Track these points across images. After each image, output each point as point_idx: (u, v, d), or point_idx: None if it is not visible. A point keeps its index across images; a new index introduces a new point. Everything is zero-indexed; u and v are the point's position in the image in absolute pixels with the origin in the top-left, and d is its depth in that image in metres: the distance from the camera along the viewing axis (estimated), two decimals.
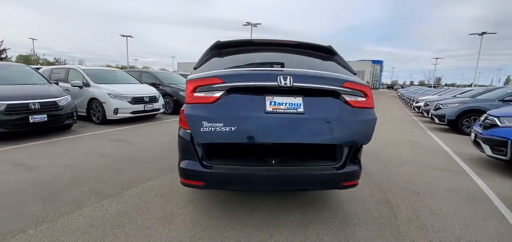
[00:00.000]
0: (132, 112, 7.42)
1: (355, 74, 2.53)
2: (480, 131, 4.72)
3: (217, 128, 2.06)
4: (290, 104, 2.13)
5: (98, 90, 7.29)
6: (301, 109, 2.12)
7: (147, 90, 8.24)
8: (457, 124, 8.32)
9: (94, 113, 7.35)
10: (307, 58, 2.66)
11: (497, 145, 4.23)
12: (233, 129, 2.06)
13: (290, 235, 2.35)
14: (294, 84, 2.09)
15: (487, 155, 4.45)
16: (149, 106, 7.85)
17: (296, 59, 2.69)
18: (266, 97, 2.13)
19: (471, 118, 8.24)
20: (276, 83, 2.08)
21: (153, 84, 9.72)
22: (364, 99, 2.23)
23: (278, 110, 2.10)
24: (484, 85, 38.33)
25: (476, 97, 9.20)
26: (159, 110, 8.35)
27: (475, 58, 34.15)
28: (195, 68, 2.46)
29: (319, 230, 2.44)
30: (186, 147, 2.36)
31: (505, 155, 4.10)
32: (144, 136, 6.00)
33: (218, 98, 2.10)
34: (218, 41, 2.58)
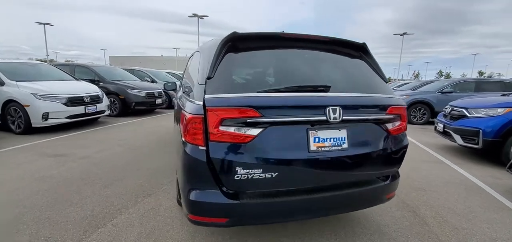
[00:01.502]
0: (69, 117, 5.89)
1: (386, 81, 2.17)
2: (448, 122, 5.04)
3: (255, 175, 1.63)
4: (335, 139, 1.76)
5: (17, 89, 5.56)
6: (345, 146, 1.78)
7: (86, 88, 6.70)
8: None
9: (13, 120, 5.61)
10: (342, 61, 2.14)
11: (469, 135, 4.53)
12: (274, 175, 1.65)
13: None
14: (344, 118, 1.73)
15: (458, 144, 4.76)
16: (91, 108, 6.38)
17: (332, 64, 2.17)
18: (310, 132, 1.71)
19: (417, 109, 9.12)
20: (325, 117, 1.70)
21: (91, 81, 8.07)
22: (401, 123, 2.02)
23: (322, 148, 1.73)
24: (404, 79, 44.61)
25: (418, 90, 10.25)
26: (103, 113, 6.91)
27: (389, 56, 39.46)
28: (209, 78, 1.71)
29: None
30: (199, 171, 1.67)
31: (477, 144, 4.41)
32: (91, 147, 4.75)
33: (255, 136, 1.60)
34: (235, 32, 1.85)
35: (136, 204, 2.71)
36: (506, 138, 4.14)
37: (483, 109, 4.52)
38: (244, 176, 1.63)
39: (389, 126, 1.94)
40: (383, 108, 1.91)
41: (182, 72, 4.92)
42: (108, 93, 7.98)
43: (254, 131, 1.61)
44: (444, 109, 5.53)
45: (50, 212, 2.51)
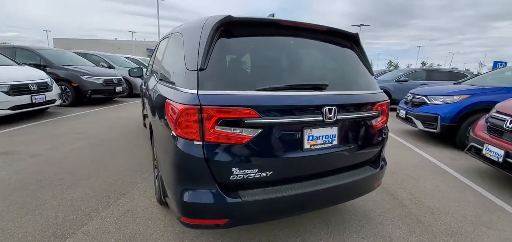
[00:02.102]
0: (12, 108, 5.05)
1: (373, 73, 2.19)
2: (410, 109, 5.44)
3: (250, 175, 1.58)
4: (326, 137, 1.77)
5: None
6: (335, 142, 1.81)
7: (32, 74, 5.78)
8: None
9: None
10: (335, 52, 2.08)
11: (429, 120, 4.94)
12: (269, 174, 1.63)
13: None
14: (338, 117, 1.73)
15: (419, 129, 5.17)
16: (39, 98, 5.55)
17: (327, 56, 2.09)
18: (305, 131, 1.69)
19: None
20: (321, 117, 1.67)
21: (36, 66, 7.02)
22: (383, 117, 2.08)
23: (315, 146, 1.73)
24: None
25: (377, 79, 10.94)
26: (53, 103, 6.09)
27: None
28: (201, 69, 1.53)
29: (354, 232, 2.07)
30: (195, 169, 1.51)
31: (436, 128, 4.83)
32: (43, 143, 4.14)
33: (253, 137, 1.53)
34: (229, 16, 1.64)
35: (109, 206, 2.41)
36: (461, 123, 4.60)
37: (441, 97, 4.94)
38: (240, 176, 1.56)
39: (374, 121, 1.99)
40: (371, 105, 1.94)
41: (150, 56, 4.49)
42: (58, 80, 7.03)
43: (252, 132, 1.53)
44: (405, 97, 5.95)
45: (3, 222, 2.10)
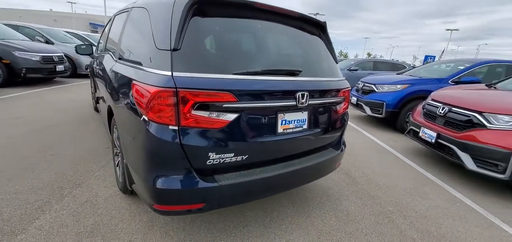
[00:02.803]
0: None
1: (337, 61, 2.35)
2: (360, 96, 5.96)
3: (226, 159, 1.61)
4: (298, 121, 1.87)
5: None
6: (305, 126, 1.92)
7: None
8: None
9: None
10: (305, 38, 2.15)
11: (376, 107, 5.49)
12: (244, 158, 1.67)
13: (294, 222, 2.05)
14: (309, 102, 1.83)
15: (367, 114, 5.72)
16: None
17: (298, 42, 2.15)
18: (279, 115, 1.75)
19: None
20: (294, 102, 1.75)
21: None
22: (346, 103, 2.25)
23: (287, 130, 1.82)
24: None
25: None
26: None
27: None
28: (175, 49, 1.45)
29: (317, 208, 2.27)
30: (170, 154, 1.48)
31: (381, 114, 5.40)
32: None
33: (230, 122, 1.54)
34: None
35: (63, 198, 2.21)
36: (402, 109, 5.21)
37: (386, 85, 5.51)
38: (217, 161, 1.58)
39: (338, 107, 2.16)
40: (336, 91, 2.09)
41: (102, 32, 4.08)
42: None
43: (229, 116, 1.54)
44: (356, 85, 6.48)
45: None
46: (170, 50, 1.46)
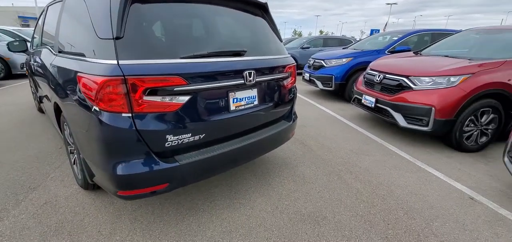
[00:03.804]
0: None
1: (281, 40, 2.55)
2: (312, 72, 6.37)
3: (184, 140, 1.71)
4: (248, 98, 2.03)
5: None
6: (256, 102, 2.08)
7: None
8: None
9: None
10: (248, 19, 2.27)
11: (326, 81, 5.95)
12: (201, 137, 1.79)
13: (257, 190, 2.28)
14: (257, 79, 1.98)
15: (320, 88, 6.17)
16: None
17: (241, 23, 2.26)
18: (230, 94, 1.89)
19: None
20: (243, 81, 1.90)
21: None
22: (292, 78, 2.45)
23: (239, 107, 1.97)
24: None
25: (285, 46, 12.03)
26: None
27: None
28: (118, 38, 1.47)
29: (276, 176, 2.53)
30: (126, 141, 1.54)
31: (331, 87, 5.88)
32: None
33: (183, 104, 1.63)
34: None
35: (19, 203, 2.12)
36: (348, 81, 5.74)
37: (334, 60, 5.98)
38: (175, 142, 1.67)
39: (285, 82, 2.37)
40: (282, 68, 2.29)
41: (24, 27, 3.72)
42: None
43: (181, 99, 1.63)
44: (308, 61, 6.89)
45: None
46: (113, 38, 1.48)
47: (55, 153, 2.99)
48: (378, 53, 5.85)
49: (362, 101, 4.17)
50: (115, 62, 1.45)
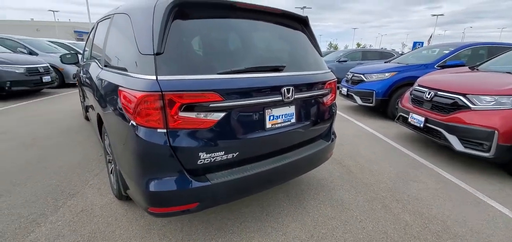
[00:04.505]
0: None
1: (321, 54, 2.40)
2: (350, 86, 6.04)
3: (217, 158, 1.63)
4: (285, 116, 1.90)
5: None
6: (293, 120, 1.95)
7: None
8: None
9: None
10: (288, 34, 2.18)
11: (366, 96, 5.58)
12: (235, 155, 1.69)
13: (290, 214, 2.09)
14: (295, 96, 1.87)
15: (358, 104, 5.81)
16: None
17: (281, 38, 2.17)
18: (266, 111, 1.78)
19: None
20: (280, 97, 1.78)
21: None
22: (332, 95, 2.30)
23: (276, 125, 1.85)
24: None
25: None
26: None
27: None
28: (158, 54, 1.46)
29: (312, 199, 2.32)
30: (160, 157, 1.50)
31: (371, 103, 5.49)
32: None
33: (217, 121, 1.57)
34: None
35: (57, 209, 2.19)
36: (391, 96, 5.31)
37: (375, 74, 5.60)
38: (208, 160, 1.60)
39: (325, 99, 2.20)
40: (322, 84, 2.13)
41: (86, 40, 4.02)
42: None
43: (217, 115, 1.56)
44: (346, 76, 6.56)
45: None
46: (153, 54, 1.47)
47: (95, 160, 3.12)
48: (426, 67, 5.36)
49: (409, 120, 3.77)
50: (154, 77, 1.44)
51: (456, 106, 3.17)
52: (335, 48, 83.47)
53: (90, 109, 3.07)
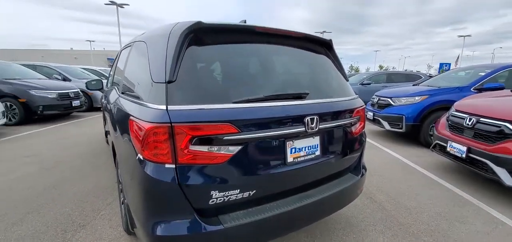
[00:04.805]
0: None
1: (347, 78, 2.19)
2: (377, 110, 5.68)
3: (231, 197, 1.43)
4: (309, 148, 1.68)
5: None
6: (318, 153, 1.72)
7: None
8: None
9: None
10: (311, 58, 2.03)
11: (394, 121, 5.19)
12: (251, 193, 1.49)
13: None
14: (320, 126, 1.65)
15: (386, 129, 5.41)
16: None
17: (303, 62, 2.02)
18: (287, 143, 1.57)
19: None
20: (303, 128, 1.58)
21: None
22: (361, 123, 2.05)
23: (298, 158, 1.63)
24: None
25: None
26: None
27: None
28: (169, 82, 1.35)
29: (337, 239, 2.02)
30: (168, 196, 1.33)
31: (401, 128, 5.09)
32: None
33: (232, 155, 1.38)
34: (199, 22, 1.48)
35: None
36: (423, 121, 4.89)
37: (404, 98, 5.23)
38: (220, 199, 1.41)
39: (354, 128, 1.96)
40: (350, 112, 1.91)
41: (111, 67, 4.12)
42: (1, 96, 6.22)
43: (231, 149, 1.38)
44: (371, 99, 6.22)
45: None
46: (165, 82, 1.35)
47: (110, 187, 3.04)
48: (461, 90, 4.92)
49: (447, 148, 3.37)
50: (163, 107, 1.31)
51: (503, 135, 2.77)
52: (356, 70, 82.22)
53: (108, 134, 3.04)
